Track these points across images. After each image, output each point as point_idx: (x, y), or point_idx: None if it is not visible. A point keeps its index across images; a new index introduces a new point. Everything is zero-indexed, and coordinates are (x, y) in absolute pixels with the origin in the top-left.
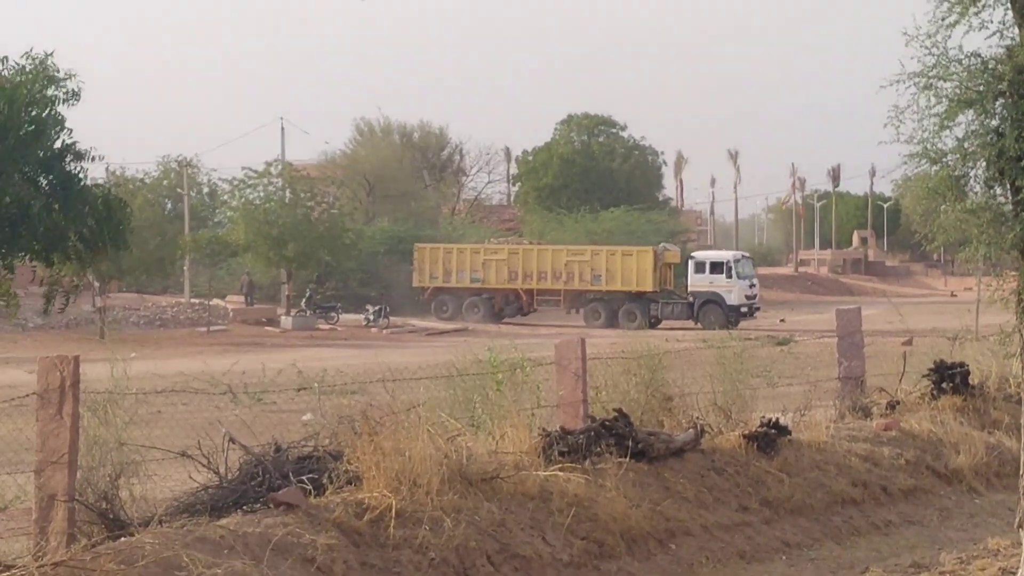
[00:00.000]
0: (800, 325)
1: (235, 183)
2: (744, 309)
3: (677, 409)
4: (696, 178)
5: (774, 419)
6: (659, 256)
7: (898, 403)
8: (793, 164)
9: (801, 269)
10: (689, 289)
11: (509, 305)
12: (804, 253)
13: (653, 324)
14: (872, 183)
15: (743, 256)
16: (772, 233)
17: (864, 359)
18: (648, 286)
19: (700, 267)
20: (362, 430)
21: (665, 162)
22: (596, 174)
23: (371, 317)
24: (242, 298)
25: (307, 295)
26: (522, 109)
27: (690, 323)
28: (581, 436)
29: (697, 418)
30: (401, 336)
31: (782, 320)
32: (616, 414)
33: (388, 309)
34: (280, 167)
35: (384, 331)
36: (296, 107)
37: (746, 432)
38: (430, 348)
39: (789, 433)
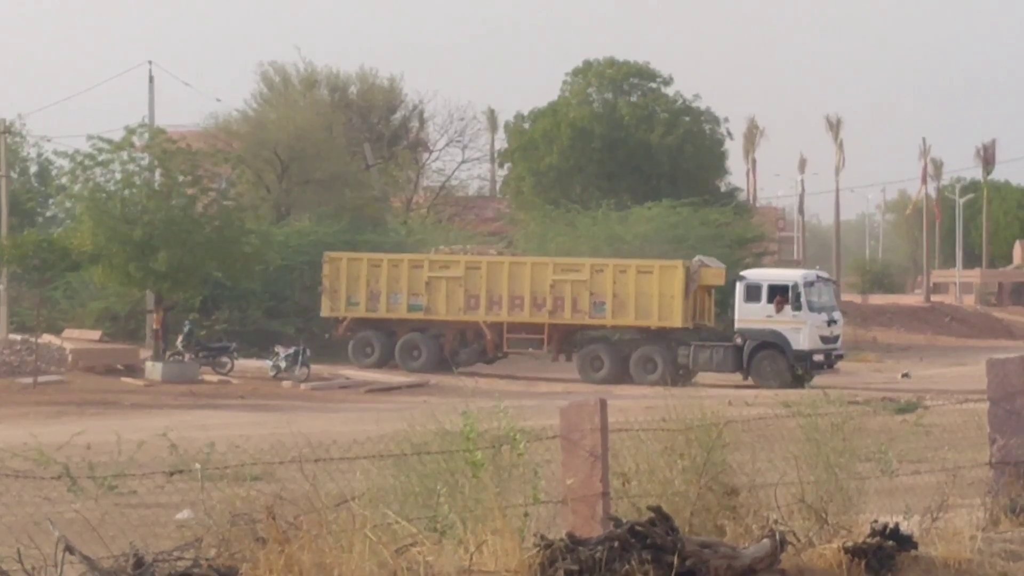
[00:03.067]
0: (933, 382)
1: (79, 159)
2: (819, 357)
3: (745, 508)
4: (777, 158)
5: (892, 525)
6: (692, 274)
7: None
8: (924, 139)
9: (935, 298)
10: (736, 325)
11: (466, 347)
12: (939, 273)
13: (683, 378)
14: None
15: (819, 277)
16: (892, 242)
17: None
18: (675, 320)
19: (753, 293)
20: (268, 535)
21: (730, 133)
22: (626, 150)
23: (282, 364)
24: (96, 334)
25: (185, 330)
26: (514, 53)
27: (737, 377)
28: (599, 548)
29: (776, 522)
30: (328, 393)
31: (905, 375)
32: (653, 515)
33: (308, 353)
34: (147, 135)
35: (302, 385)
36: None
37: (850, 544)
38: (372, 411)
39: (915, 546)
